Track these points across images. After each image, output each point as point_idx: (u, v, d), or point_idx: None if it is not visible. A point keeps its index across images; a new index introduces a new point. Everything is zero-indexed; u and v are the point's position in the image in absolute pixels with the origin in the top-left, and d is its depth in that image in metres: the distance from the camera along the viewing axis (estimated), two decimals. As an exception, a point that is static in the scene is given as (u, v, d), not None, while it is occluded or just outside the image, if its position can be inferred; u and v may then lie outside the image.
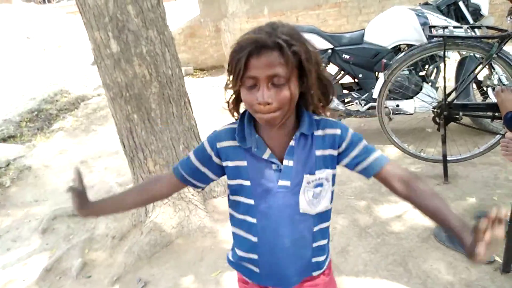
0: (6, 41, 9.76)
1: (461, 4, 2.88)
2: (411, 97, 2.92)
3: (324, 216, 0.98)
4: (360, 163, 0.93)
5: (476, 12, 2.92)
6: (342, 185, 2.60)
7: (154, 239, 2.29)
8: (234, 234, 1.03)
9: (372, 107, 3.02)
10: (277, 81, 0.81)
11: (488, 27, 2.51)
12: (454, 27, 2.53)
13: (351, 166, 0.94)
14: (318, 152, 0.92)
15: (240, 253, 1.02)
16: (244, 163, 0.93)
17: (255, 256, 0.98)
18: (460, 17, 2.92)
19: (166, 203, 2.41)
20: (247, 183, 0.93)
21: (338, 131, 0.92)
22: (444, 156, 2.48)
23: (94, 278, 2.21)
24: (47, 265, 2.31)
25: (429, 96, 2.77)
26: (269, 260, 0.97)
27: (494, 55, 2.27)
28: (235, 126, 0.94)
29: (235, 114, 0.96)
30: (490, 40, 2.32)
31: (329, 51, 3.08)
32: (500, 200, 2.24)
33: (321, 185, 0.92)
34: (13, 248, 2.60)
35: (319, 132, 0.92)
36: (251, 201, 0.94)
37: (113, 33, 2.07)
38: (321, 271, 1.03)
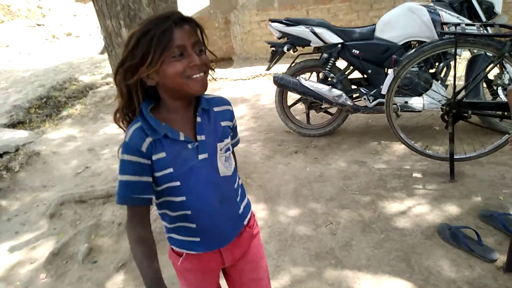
0: (16, 28, 9.81)
1: (474, 1, 2.83)
2: (420, 94, 2.90)
3: (236, 173, 1.14)
4: (234, 137, 1.17)
5: (489, 10, 2.87)
6: (347, 180, 2.60)
7: (159, 227, 2.31)
8: (174, 228, 1.08)
9: (380, 103, 3.01)
10: (199, 47, 0.93)
11: (501, 26, 2.48)
12: (466, 24, 2.49)
13: (232, 138, 1.13)
14: (223, 123, 1.07)
15: (178, 236, 1.09)
16: (163, 155, 0.96)
17: (193, 225, 1.05)
18: (472, 15, 2.88)
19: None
20: (170, 170, 0.97)
21: (230, 107, 1.11)
22: (452, 154, 2.48)
23: (100, 264, 2.24)
24: (54, 249, 2.35)
25: (438, 93, 2.75)
26: (206, 226, 1.05)
27: (506, 54, 2.25)
28: (139, 125, 0.95)
29: (128, 118, 1.01)
30: (502, 39, 2.30)
31: (339, 45, 3.06)
32: (506, 199, 2.24)
33: (229, 149, 1.08)
34: (21, 232, 2.65)
35: (218, 108, 1.07)
36: (183, 198, 1.00)
37: (124, 22, 2.08)
38: (249, 216, 1.17)
